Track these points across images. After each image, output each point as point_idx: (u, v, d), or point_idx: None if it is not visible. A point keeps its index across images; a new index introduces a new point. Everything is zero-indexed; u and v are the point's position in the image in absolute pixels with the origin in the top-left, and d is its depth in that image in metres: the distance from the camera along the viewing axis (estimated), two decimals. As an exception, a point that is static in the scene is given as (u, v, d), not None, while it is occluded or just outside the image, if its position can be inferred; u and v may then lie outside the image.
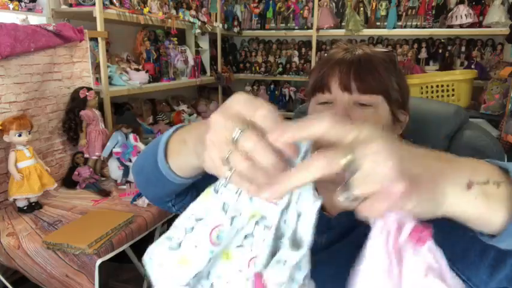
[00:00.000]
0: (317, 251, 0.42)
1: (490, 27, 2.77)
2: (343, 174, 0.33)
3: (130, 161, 1.73)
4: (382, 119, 0.63)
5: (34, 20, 1.86)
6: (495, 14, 2.72)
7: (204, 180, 0.67)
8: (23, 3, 1.77)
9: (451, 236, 0.47)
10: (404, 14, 3.04)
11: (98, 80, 1.98)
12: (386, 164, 0.31)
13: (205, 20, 2.94)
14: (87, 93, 1.76)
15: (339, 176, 0.33)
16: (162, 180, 0.55)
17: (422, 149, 0.36)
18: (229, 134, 0.35)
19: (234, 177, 0.36)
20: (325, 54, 0.70)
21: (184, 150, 0.50)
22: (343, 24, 3.21)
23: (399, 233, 0.34)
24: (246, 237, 0.39)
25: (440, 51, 3.06)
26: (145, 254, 0.43)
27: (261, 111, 0.35)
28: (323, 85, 0.64)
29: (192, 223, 0.41)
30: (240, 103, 0.36)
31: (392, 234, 0.34)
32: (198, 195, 0.68)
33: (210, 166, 0.39)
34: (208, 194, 0.41)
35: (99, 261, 1.20)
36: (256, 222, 0.39)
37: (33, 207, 1.48)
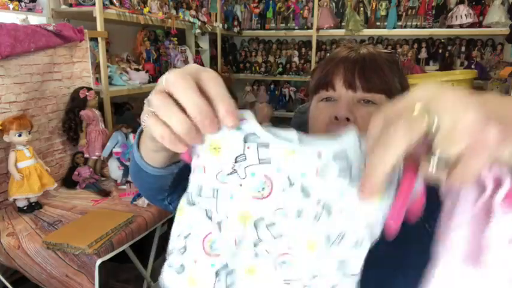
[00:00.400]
0: None
1: (490, 27, 2.77)
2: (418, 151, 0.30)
3: (130, 160, 1.73)
4: None
5: (34, 20, 1.86)
6: (495, 14, 2.72)
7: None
8: (23, 3, 1.78)
9: None
10: (404, 14, 3.04)
11: (98, 80, 1.98)
12: (469, 113, 0.28)
13: (205, 20, 2.94)
14: (87, 93, 1.76)
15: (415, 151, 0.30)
16: (140, 172, 0.55)
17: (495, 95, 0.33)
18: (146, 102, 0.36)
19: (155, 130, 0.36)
20: (328, 54, 0.71)
21: (143, 141, 0.50)
22: (343, 24, 3.21)
23: (493, 194, 0.31)
24: (255, 245, 0.37)
25: (440, 51, 3.06)
26: (161, 284, 0.41)
27: (204, 73, 0.35)
28: (327, 82, 0.64)
29: (182, 242, 0.39)
30: (171, 78, 0.36)
31: (485, 195, 0.31)
32: None
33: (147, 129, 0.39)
34: (182, 209, 0.39)
35: (99, 261, 1.20)
36: (256, 226, 0.37)
37: (33, 207, 1.48)
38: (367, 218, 0.34)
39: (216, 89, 0.35)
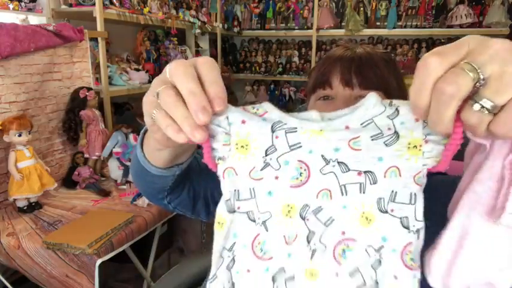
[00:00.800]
0: None
1: (490, 27, 2.78)
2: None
3: (130, 161, 1.73)
4: None
5: (34, 20, 1.87)
6: (495, 14, 2.72)
7: (199, 183, 0.67)
8: (23, 3, 1.78)
9: None
10: (404, 14, 3.04)
11: (98, 80, 1.98)
12: None
13: (205, 20, 2.94)
14: (87, 93, 1.76)
15: None
16: (143, 172, 0.55)
17: None
18: (154, 95, 0.38)
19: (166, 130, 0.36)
20: (325, 54, 0.71)
21: (148, 142, 0.51)
22: (343, 24, 3.21)
23: None
24: (309, 240, 0.36)
25: (440, 51, 3.06)
26: None
27: (200, 60, 0.37)
28: (324, 81, 0.64)
29: (228, 257, 0.37)
30: (174, 69, 0.37)
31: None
32: (194, 191, 0.66)
33: (150, 124, 0.41)
34: (223, 221, 0.38)
35: (99, 261, 1.20)
36: (303, 216, 0.35)
37: (33, 207, 1.48)
38: (414, 170, 0.34)
39: (208, 73, 0.36)
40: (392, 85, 0.64)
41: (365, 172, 0.35)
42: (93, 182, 1.75)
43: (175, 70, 0.36)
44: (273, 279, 0.36)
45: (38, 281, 1.30)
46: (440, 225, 0.36)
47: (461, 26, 2.84)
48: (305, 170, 0.35)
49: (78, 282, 1.21)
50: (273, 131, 0.36)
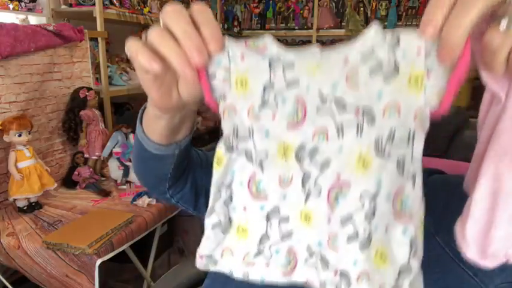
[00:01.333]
0: None
1: (490, 27, 2.78)
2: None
3: (130, 161, 1.73)
4: None
5: (34, 20, 1.87)
6: (495, 14, 2.72)
7: (201, 178, 0.68)
8: (23, 3, 1.78)
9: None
10: (404, 14, 3.04)
11: (98, 80, 1.98)
12: None
13: (205, 20, 2.94)
14: (87, 93, 1.76)
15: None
16: (144, 153, 0.55)
17: None
18: (140, 42, 0.36)
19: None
20: None
21: (146, 111, 0.51)
22: (343, 24, 3.21)
23: None
24: (304, 183, 0.35)
25: (440, 51, 3.07)
26: (199, 260, 0.39)
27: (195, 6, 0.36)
28: None
29: (226, 193, 0.38)
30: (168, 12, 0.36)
31: None
32: (197, 186, 0.66)
33: (144, 79, 0.40)
34: (221, 159, 0.37)
35: (99, 261, 1.20)
36: (298, 158, 0.34)
37: (33, 207, 1.48)
38: (415, 107, 0.32)
39: (202, 15, 0.35)
40: None
41: (363, 110, 0.32)
42: (93, 182, 1.75)
43: (168, 12, 0.35)
44: (267, 218, 0.36)
45: (38, 281, 1.30)
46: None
47: (461, 26, 2.85)
48: (301, 108, 0.34)
49: (78, 282, 1.21)
50: (271, 67, 0.34)
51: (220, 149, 0.37)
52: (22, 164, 1.44)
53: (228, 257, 0.38)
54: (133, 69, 2.26)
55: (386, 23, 3.07)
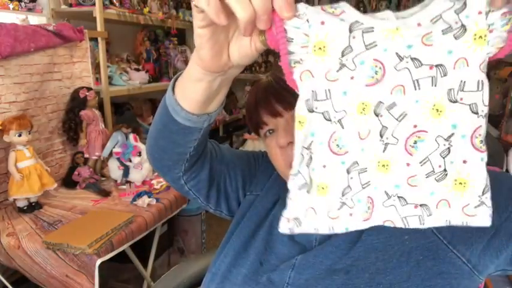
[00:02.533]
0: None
1: (490, 27, 2.77)
2: None
3: (130, 161, 1.73)
4: None
5: (34, 20, 1.87)
6: (495, 14, 2.72)
7: (217, 168, 0.69)
8: (23, 3, 1.78)
9: None
10: (404, 14, 3.04)
11: (98, 80, 1.98)
12: None
13: (205, 20, 2.94)
14: (87, 93, 1.76)
15: None
16: (168, 126, 0.55)
17: None
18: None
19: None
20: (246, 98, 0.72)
21: (186, 74, 0.50)
22: (343, 24, 3.21)
23: None
24: (382, 135, 0.38)
25: (440, 51, 3.07)
26: (285, 223, 0.42)
27: None
28: (258, 124, 0.65)
29: (307, 154, 0.40)
30: None
31: None
32: (212, 174, 0.69)
33: (200, 34, 0.40)
34: (303, 120, 0.40)
35: (99, 261, 1.20)
36: (377, 113, 0.38)
37: (33, 207, 1.48)
38: (480, 59, 0.36)
39: None
40: None
41: (436, 66, 0.36)
42: (93, 182, 1.75)
43: None
44: (347, 171, 0.40)
45: (38, 281, 1.30)
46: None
47: (461, 26, 2.84)
48: (380, 68, 0.37)
49: (78, 282, 1.21)
50: (350, 31, 0.37)
51: (301, 110, 0.39)
52: (22, 164, 1.44)
53: (312, 216, 0.42)
54: (133, 69, 2.26)
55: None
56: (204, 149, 0.65)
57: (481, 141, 0.38)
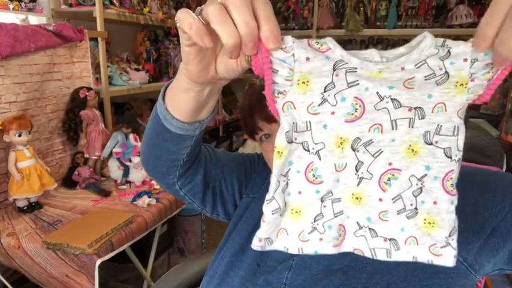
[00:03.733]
0: None
1: (490, 27, 2.77)
2: None
3: (130, 161, 1.73)
4: None
5: (34, 20, 1.87)
6: (495, 14, 2.72)
7: (211, 173, 0.68)
8: (23, 3, 1.78)
9: None
10: (404, 14, 3.04)
11: (98, 80, 1.98)
12: None
13: (205, 20, 2.94)
14: (87, 93, 1.76)
15: None
16: (161, 134, 0.55)
17: None
18: (193, 15, 0.37)
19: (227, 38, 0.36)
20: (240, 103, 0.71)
21: (175, 83, 0.50)
22: (343, 24, 3.21)
23: None
24: (357, 169, 0.40)
25: (440, 51, 3.06)
26: (257, 242, 0.43)
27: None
28: (252, 129, 0.65)
29: (284, 180, 0.42)
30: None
31: None
32: (206, 179, 0.69)
33: (187, 51, 0.41)
34: (282, 150, 0.41)
35: (99, 261, 1.20)
36: (354, 148, 0.39)
37: (33, 207, 1.48)
38: (459, 105, 0.38)
39: (265, 8, 0.36)
40: None
41: (415, 108, 0.38)
42: (93, 182, 1.75)
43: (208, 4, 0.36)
44: (321, 200, 0.41)
45: (38, 281, 1.30)
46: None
47: (461, 26, 2.84)
48: (360, 106, 0.38)
49: (78, 282, 1.21)
50: (334, 70, 0.38)
51: (281, 141, 0.41)
52: (22, 164, 1.44)
53: (283, 237, 0.43)
54: (133, 69, 2.26)
55: (386, 23, 3.07)
56: (198, 154, 0.65)
57: (452, 184, 0.39)
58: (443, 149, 0.38)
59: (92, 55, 1.92)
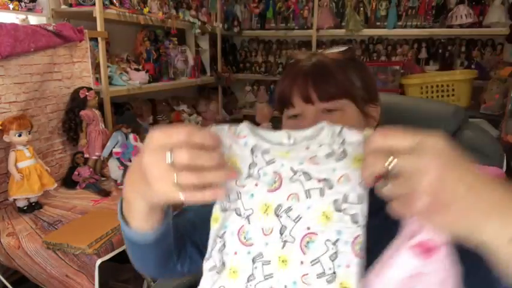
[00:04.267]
0: None
1: (490, 27, 2.77)
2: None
3: (130, 160, 1.73)
4: (351, 120, 0.63)
5: (34, 20, 1.87)
6: (495, 14, 2.72)
7: (196, 236, 0.67)
8: (23, 3, 1.77)
9: None
10: (404, 14, 3.04)
11: (98, 80, 1.98)
12: (425, 178, 0.34)
13: (205, 20, 2.94)
14: (87, 93, 1.76)
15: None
16: (145, 249, 0.56)
17: (489, 180, 0.37)
18: (164, 161, 0.40)
19: (189, 194, 0.41)
20: (284, 69, 0.71)
21: (131, 201, 0.51)
22: (343, 24, 3.20)
23: (410, 238, 0.38)
24: (281, 232, 0.44)
25: (440, 51, 3.06)
26: None
27: (192, 134, 0.40)
28: (285, 101, 0.65)
29: (220, 242, 0.47)
30: (157, 136, 0.41)
31: (406, 235, 0.39)
32: (198, 245, 0.68)
33: (164, 197, 0.43)
34: (217, 217, 0.48)
35: (99, 261, 1.20)
36: (277, 214, 0.45)
37: (33, 207, 1.48)
38: (359, 177, 0.44)
39: (203, 158, 0.40)
40: (354, 86, 0.64)
41: (323, 179, 0.44)
42: (93, 182, 1.75)
43: (179, 154, 0.40)
44: (253, 261, 0.45)
45: (38, 281, 1.30)
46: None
47: (461, 26, 2.84)
48: (278, 178, 0.45)
49: (78, 282, 1.22)
50: (252, 152, 0.47)
51: (216, 210, 0.48)
52: (22, 164, 1.44)
53: None
54: (133, 69, 2.26)
55: (386, 23, 3.06)
56: (181, 235, 0.65)
57: (360, 248, 0.43)
58: (351, 215, 0.43)
59: (92, 55, 1.92)
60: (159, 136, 0.41)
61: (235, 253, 0.45)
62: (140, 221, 0.52)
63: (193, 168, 0.40)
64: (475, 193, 0.36)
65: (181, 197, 0.41)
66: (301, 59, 0.67)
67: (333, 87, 0.62)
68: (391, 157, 0.37)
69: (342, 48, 0.68)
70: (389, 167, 0.37)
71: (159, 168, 0.41)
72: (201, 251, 0.68)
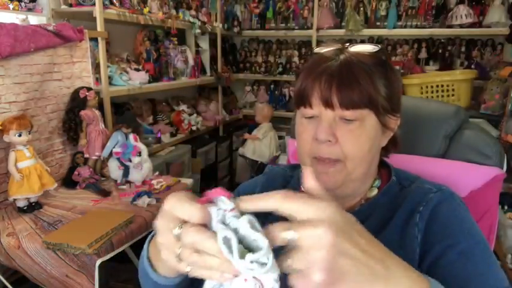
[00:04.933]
0: None
1: (490, 27, 2.77)
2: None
3: (130, 160, 1.73)
4: (368, 133, 0.60)
5: (34, 20, 1.86)
6: (495, 14, 2.72)
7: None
8: (23, 3, 1.78)
9: None
10: (404, 14, 3.04)
11: (98, 80, 1.98)
12: (318, 253, 0.35)
13: (205, 20, 2.94)
14: (87, 93, 1.76)
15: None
16: (152, 282, 0.57)
17: (378, 247, 0.40)
18: (171, 232, 0.41)
19: (194, 269, 0.40)
20: (311, 54, 0.66)
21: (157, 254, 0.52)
22: (343, 24, 3.20)
23: None
24: None
25: (440, 51, 3.06)
26: None
27: (189, 213, 0.40)
28: (304, 100, 0.61)
29: None
30: (173, 205, 0.41)
31: None
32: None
33: (170, 265, 0.43)
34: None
35: (99, 261, 1.20)
36: None
37: (33, 207, 1.48)
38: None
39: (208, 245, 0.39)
40: (379, 95, 0.60)
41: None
42: (93, 182, 1.75)
43: (186, 234, 0.39)
44: None
45: (38, 281, 1.30)
46: None
47: (461, 26, 2.84)
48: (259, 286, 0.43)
49: (78, 282, 1.21)
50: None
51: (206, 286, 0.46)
52: (22, 164, 1.44)
53: None
54: (133, 69, 2.26)
55: (386, 23, 3.06)
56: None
57: None
58: None
59: (92, 55, 1.92)
60: (175, 206, 0.41)
61: None
62: (168, 270, 0.53)
63: (196, 249, 0.39)
64: (369, 256, 0.38)
65: (186, 270, 0.41)
66: (327, 56, 0.62)
67: (357, 95, 0.58)
68: (288, 230, 0.37)
69: (373, 49, 0.62)
70: (287, 239, 0.37)
71: (166, 237, 0.42)
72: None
